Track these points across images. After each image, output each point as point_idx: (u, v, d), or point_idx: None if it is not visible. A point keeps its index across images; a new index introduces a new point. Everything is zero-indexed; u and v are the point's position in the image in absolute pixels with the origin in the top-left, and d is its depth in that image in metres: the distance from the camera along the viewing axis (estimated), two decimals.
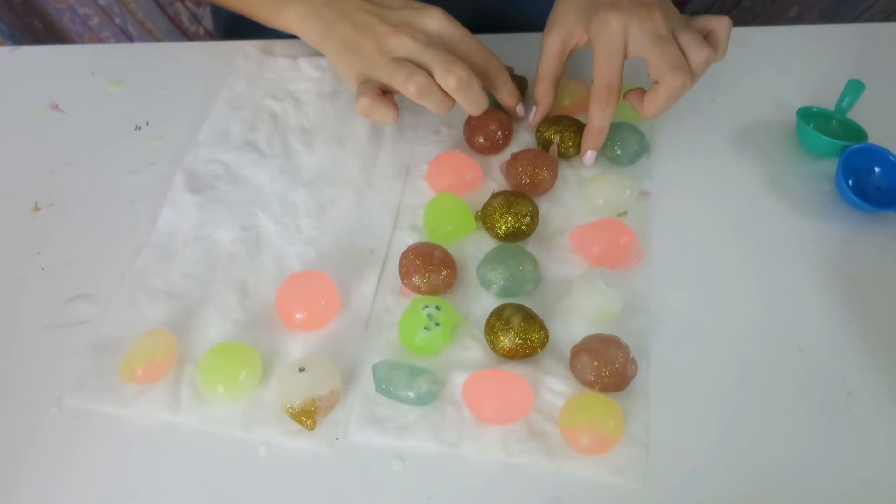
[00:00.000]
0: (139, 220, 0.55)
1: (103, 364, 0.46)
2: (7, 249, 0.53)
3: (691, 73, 0.51)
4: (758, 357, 0.46)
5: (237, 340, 0.47)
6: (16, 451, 0.44)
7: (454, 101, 0.52)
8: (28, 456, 0.43)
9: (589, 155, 0.55)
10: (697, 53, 0.51)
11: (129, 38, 1.27)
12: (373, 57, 0.52)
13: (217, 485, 0.42)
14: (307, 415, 0.43)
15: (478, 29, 0.56)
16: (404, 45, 0.51)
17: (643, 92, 0.53)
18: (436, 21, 0.53)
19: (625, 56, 0.52)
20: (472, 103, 0.52)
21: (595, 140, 0.54)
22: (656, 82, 0.52)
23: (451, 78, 0.50)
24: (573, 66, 0.62)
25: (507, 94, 0.57)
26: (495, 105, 0.59)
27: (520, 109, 0.58)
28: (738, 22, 1.42)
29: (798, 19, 1.34)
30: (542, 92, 0.57)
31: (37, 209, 0.55)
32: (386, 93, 0.53)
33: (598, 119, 0.53)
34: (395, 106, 0.52)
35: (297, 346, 0.47)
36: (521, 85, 0.60)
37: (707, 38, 0.54)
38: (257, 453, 0.43)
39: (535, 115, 0.58)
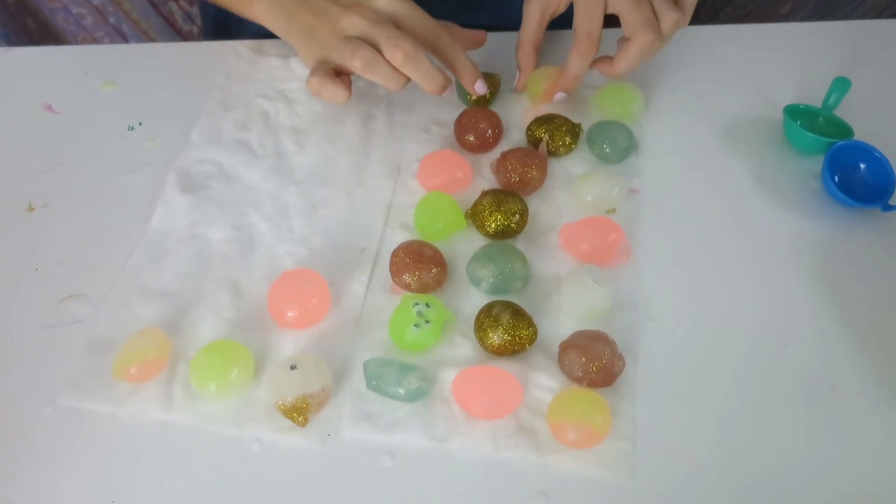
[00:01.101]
0: (132, 220, 0.55)
1: (97, 363, 0.47)
2: (1, 250, 0.54)
3: (661, 34, 0.54)
4: (744, 353, 0.47)
5: (229, 339, 0.47)
6: (10, 450, 0.44)
7: (406, 77, 0.53)
8: (22, 455, 0.44)
9: (558, 96, 0.58)
10: (668, 16, 0.54)
11: (124, 38, 1.28)
12: (328, 39, 0.54)
13: (210, 481, 0.43)
14: (299, 412, 0.43)
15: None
16: (354, 25, 0.53)
17: (611, 59, 0.57)
18: (386, 0, 0.54)
19: (604, 10, 0.55)
20: (423, 77, 0.53)
21: (569, 85, 0.58)
22: (628, 40, 0.55)
23: (397, 52, 0.51)
24: (551, 56, 0.62)
25: (462, 70, 0.56)
26: (478, 102, 0.59)
27: (479, 86, 0.57)
28: (731, 18, 1.43)
29: (791, 15, 1.34)
30: (524, 56, 0.60)
31: (31, 209, 0.56)
32: (341, 74, 0.55)
33: (575, 66, 0.57)
34: (347, 85, 0.54)
35: (288, 344, 0.48)
36: (494, 82, 0.61)
37: (676, 3, 0.56)
38: (250, 450, 0.44)
39: (518, 80, 0.60)
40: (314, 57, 0.55)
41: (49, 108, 0.63)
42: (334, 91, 0.53)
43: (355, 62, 0.52)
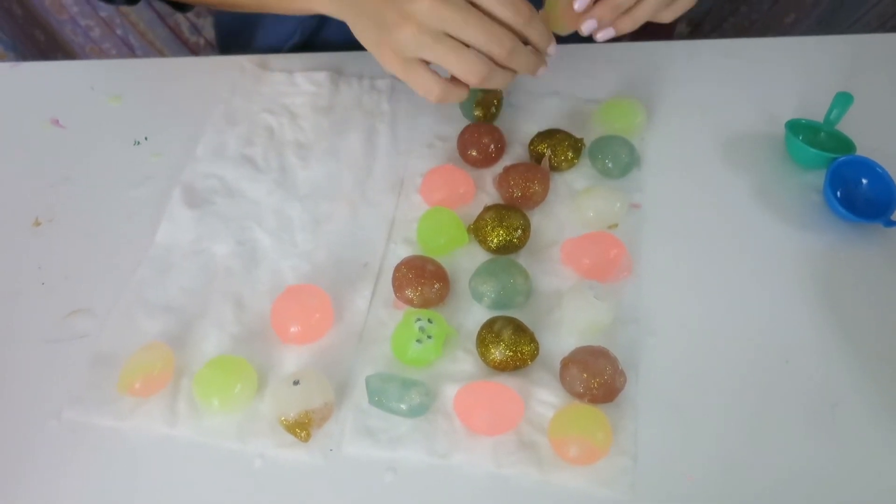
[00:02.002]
0: (138, 234, 0.55)
1: (101, 377, 0.47)
2: (8, 264, 0.54)
3: None
4: (745, 369, 0.47)
5: (233, 354, 0.47)
6: (15, 462, 0.45)
7: (513, 72, 0.50)
8: (27, 468, 0.44)
9: (602, 33, 0.53)
10: None
11: (131, 49, 1.29)
12: (405, 31, 0.47)
13: (213, 496, 0.43)
14: (301, 427, 0.43)
15: None
16: (431, 15, 0.46)
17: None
18: None
19: None
20: (526, 65, 0.49)
21: (606, 13, 0.51)
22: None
23: (495, 48, 0.47)
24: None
25: (540, 42, 0.50)
26: (481, 118, 0.60)
27: (553, 49, 0.51)
28: (735, 28, 1.43)
29: (794, 26, 1.35)
30: None
31: (37, 224, 0.56)
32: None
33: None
34: (459, 83, 0.50)
35: (291, 360, 0.48)
36: (496, 97, 0.60)
37: None
38: (252, 465, 0.44)
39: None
40: (389, 48, 0.49)
41: (56, 122, 0.64)
42: (459, 94, 0.50)
43: (470, 78, 0.48)
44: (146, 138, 0.62)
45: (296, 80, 0.65)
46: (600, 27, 0.53)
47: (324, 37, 0.73)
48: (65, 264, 0.54)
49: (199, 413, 0.46)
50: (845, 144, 0.56)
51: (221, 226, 0.55)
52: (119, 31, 1.27)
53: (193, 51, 1.32)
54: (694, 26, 1.38)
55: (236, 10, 0.61)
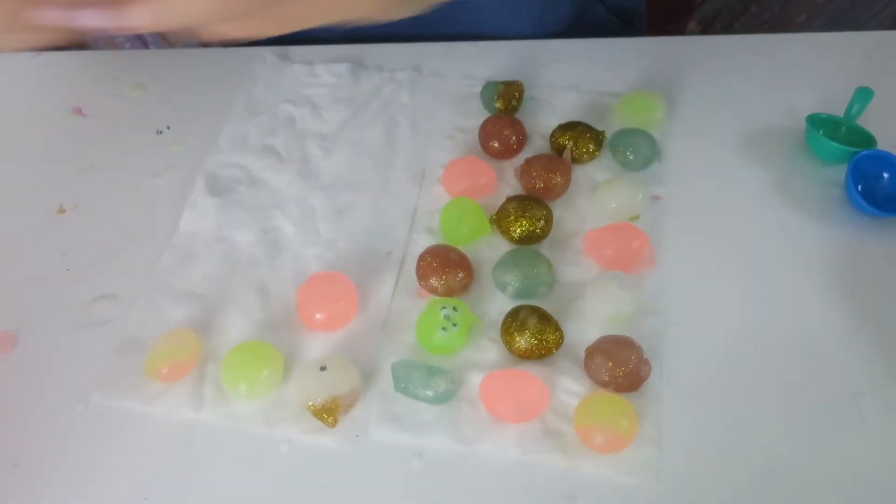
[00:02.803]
0: (160, 222, 0.56)
1: (128, 362, 0.48)
2: (33, 250, 0.54)
3: None
4: (768, 358, 0.47)
5: (258, 340, 0.48)
6: (44, 445, 0.45)
7: None
8: (56, 450, 0.45)
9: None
10: None
11: (144, 43, 1.29)
12: None
13: (240, 480, 0.43)
14: (328, 412, 0.44)
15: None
16: None
17: None
18: None
19: None
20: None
21: None
22: None
23: None
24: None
25: None
26: (502, 110, 0.60)
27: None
28: (746, 27, 1.44)
29: (806, 25, 1.35)
30: None
31: (61, 211, 0.57)
32: None
33: None
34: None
35: (316, 346, 0.48)
36: (517, 89, 0.61)
37: None
38: (279, 450, 0.44)
39: None
40: None
41: (78, 111, 0.64)
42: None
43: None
44: (168, 128, 0.62)
45: (316, 72, 0.65)
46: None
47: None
48: (89, 251, 0.54)
49: (226, 398, 0.46)
50: (866, 139, 0.57)
51: (244, 214, 0.55)
52: None
53: (205, 45, 1.32)
54: (705, 26, 1.38)
55: None
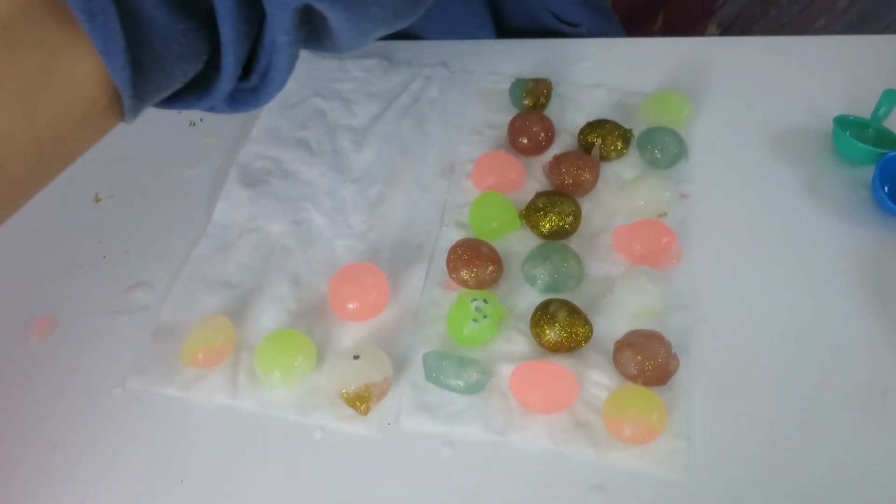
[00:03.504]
0: (194, 212, 0.57)
1: (164, 349, 0.49)
2: (70, 238, 0.56)
3: None
4: (794, 355, 0.47)
5: (292, 328, 0.49)
6: (83, 427, 0.46)
7: None
8: (94, 433, 0.46)
9: None
10: None
11: None
12: None
13: (274, 465, 0.44)
14: (361, 400, 0.44)
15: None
16: None
17: None
18: None
19: None
20: None
21: None
22: None
23: None
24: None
25: None
26: (531, 107, 0.61)
27: None
28: (765, 31, 1.43)
29: (825, 29, 1.35)
30: None
31: (97, 200, 0.58)
32: None
33: None
34: None
35: (348, 336, 0.49)
36: (546, 86, 0.61)
37: None
38: (312, 436, 0.45)
39: None
40: None
41: None
42: None
43: None
44: (201, 120, 0.63)
45: (346, 67, 0.66)
46: None
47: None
48: (124, 239, 0.55)
49: (260, 385, 0.47)
50: (893, 141, 0.57)
51: (276, 205, 0.56)
52: None
53: None
54: (724, 29, 1.39)
55: None
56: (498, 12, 0.71)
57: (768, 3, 1.33)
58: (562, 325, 0.46)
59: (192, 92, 0.37)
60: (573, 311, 0.47)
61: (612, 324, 0.49)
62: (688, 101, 0.61)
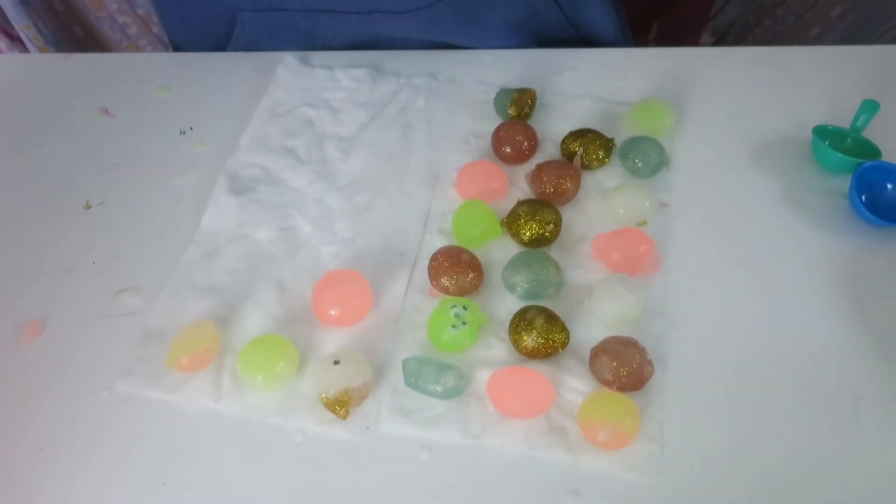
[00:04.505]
0: (183, 219, 0.58)
1: (150, 352, 0.50)
2: (62, 243, 0.57)
3: None
4: (769, 362, 0.48)
5: (275, 334, 0.50)
6: (68, 431, 0.47)
7: None
8: (79, 436, 0.47)
9: None
10: None
11: (166, 47, 1.32)
12: None
13: (255, 468, 0.45)
14: (341, 404, 0.45)
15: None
16: None
17: None
18: None
19: None
20: None
21: None
22: None
23: None
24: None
25: None
26: (515, 117, 0.62)
27: None
28: (759, 40, 1.44)
29: (819, 39, 1.35)
30: None
31: (88, 207, 0.59)
32: None
33: None
34: None
35: (331, 341, 0.50)
36: (530, 96, 0.62)
37: None
38: (293, 440, 0.46)
39: None
40: None
41: (106, 112, 0.66)
42: None
43: None
44: (191, 128, 0.65)
45: (336, 76, 0.67)
46: None
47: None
48: (114, 245, 0.56)
49: (243, 389, 0.48)
50: (871, 150, 0.58)
51: (264, 213, 0.57)
52: (155, 30, 1.30)
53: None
54: (718, 38, 1.39)
55: None
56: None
57: (763, 13, 1.33)
58: (539, 331, 0.47)
59: None
60: (551, 318, 0.48)
61: (589, 330, 0.49)
62: (672, 110, 0.62)
